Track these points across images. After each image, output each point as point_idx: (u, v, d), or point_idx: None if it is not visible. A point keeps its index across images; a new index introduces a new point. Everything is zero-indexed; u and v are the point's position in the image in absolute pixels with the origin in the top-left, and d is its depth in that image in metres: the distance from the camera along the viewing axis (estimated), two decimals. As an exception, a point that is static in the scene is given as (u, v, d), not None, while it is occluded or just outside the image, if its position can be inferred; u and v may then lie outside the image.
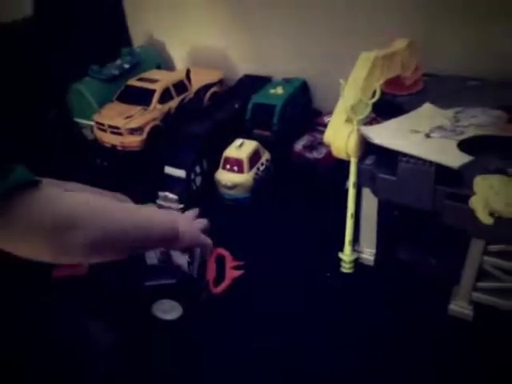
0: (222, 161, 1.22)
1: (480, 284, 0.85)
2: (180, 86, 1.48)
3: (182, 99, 1.48)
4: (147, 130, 1.36)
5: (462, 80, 1.12)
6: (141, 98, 1.41)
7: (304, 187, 1.24)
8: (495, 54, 1.18)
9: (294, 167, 1.29)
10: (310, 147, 1.27)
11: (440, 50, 1.24)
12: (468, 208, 0.73)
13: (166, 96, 1.43)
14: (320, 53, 1.45)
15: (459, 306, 0.88)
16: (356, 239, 1.01)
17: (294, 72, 1.50)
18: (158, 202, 1.05)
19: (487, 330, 0.84)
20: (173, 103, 1.45)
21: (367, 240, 1.00)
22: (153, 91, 1.41)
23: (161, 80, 1.44)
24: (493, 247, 0.81)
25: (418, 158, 0.78)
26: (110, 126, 1.36)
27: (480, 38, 1.20)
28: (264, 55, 1.59)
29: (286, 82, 1.44)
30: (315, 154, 1.25)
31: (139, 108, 1.39)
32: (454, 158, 0.76)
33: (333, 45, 1.41)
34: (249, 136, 1.28)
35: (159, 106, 1.41)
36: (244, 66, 1.65)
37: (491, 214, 0.72)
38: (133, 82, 1.46)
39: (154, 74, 1.52)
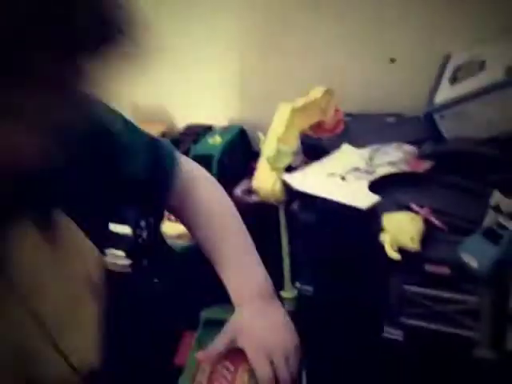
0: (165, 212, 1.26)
1: (407, 310, 0.92)
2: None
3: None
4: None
5: (381, 117, 1.22)
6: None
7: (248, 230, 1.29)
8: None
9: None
10: (249, 191, 1.33)
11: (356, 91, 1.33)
12: (380, 244, 0.80)
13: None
14: (256, 96, 1.53)
15: (391, 330, 0.94)
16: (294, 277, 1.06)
17: (233, 116, 1.58)
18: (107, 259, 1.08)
19: (418, 349, 0.91)
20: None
21: (305, 277, 1.06)
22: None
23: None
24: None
25: (334, 201, 0.85)
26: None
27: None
28: (204, 104, 1.66)
29: (224, 130, 1.51)
30: (254, 197, 1.31)
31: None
32: (363, 199, 0.84)
33: (267, 87, 1.50)
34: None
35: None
36: (187, 116, 1.71)
37: (400, 249, 0.79)
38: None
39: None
